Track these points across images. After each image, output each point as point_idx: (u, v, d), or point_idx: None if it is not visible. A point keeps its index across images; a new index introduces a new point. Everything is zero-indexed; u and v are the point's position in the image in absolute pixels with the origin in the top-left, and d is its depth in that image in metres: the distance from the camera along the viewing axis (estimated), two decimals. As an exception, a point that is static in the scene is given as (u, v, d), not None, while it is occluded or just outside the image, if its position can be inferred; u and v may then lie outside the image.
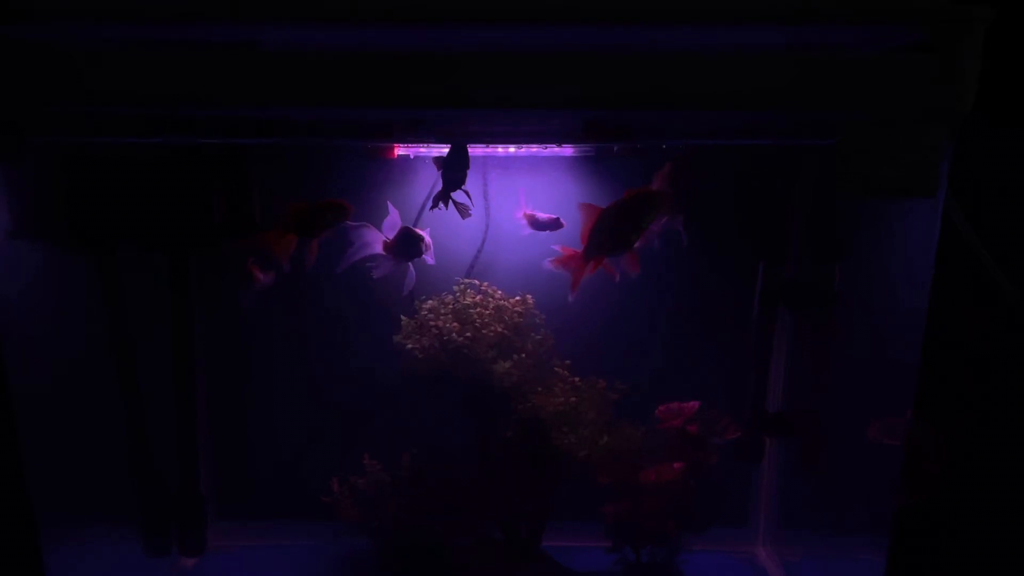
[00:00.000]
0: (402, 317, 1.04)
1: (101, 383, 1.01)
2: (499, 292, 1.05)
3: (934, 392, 0.95)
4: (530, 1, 0.65)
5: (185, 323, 1.02)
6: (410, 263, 1.00)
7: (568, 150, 1.02)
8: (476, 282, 1.06)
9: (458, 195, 0.91)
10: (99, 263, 0.96)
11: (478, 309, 1.02)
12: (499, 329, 1.01)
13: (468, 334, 1.00)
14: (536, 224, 1.02)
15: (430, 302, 1.04)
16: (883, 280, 0.92)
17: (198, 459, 1.07)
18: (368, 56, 0.68)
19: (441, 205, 0.91)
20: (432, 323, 1.01)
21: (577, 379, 1.03)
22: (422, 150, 1.01)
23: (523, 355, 1.01)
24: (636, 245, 0.89)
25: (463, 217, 0.93)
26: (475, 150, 0.94)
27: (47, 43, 0.71)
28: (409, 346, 1.01)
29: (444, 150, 0.90)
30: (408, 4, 0.66)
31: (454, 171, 0.87)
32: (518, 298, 1.05)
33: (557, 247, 0.95)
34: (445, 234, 1.06)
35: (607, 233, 0.89)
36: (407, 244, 0.98)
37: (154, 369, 1.02)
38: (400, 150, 1.02)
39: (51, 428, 0.97)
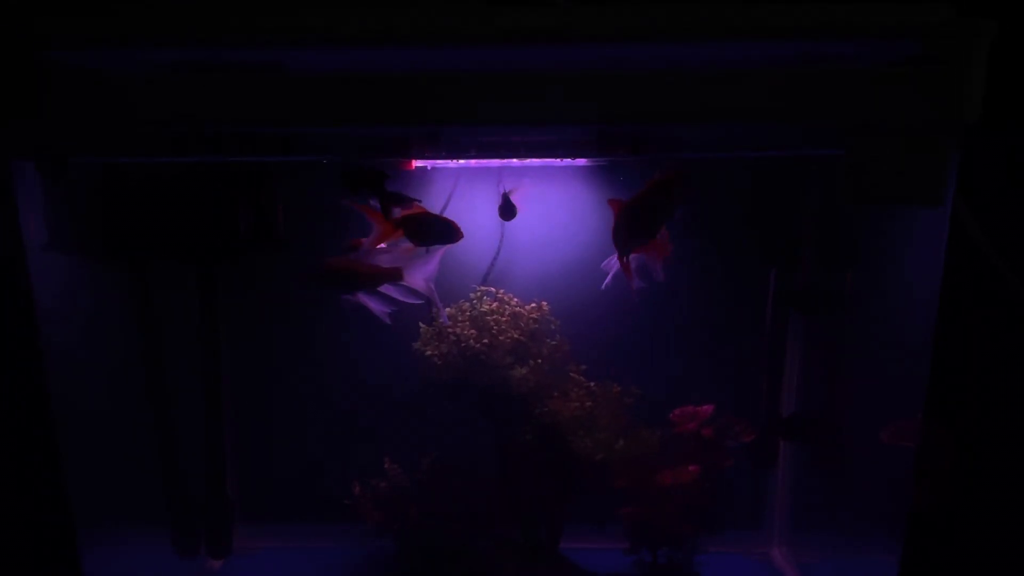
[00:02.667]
0: (421, 324, 1.06)
1: (134, 390, 1.04)
2: (515, 299, 1.07)
3: (946, 394, 0.96)
4: (542, 24, 0.67)
5: (212, 331, 1.05)
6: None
7: (582, 160, 1.04)
8: (492, 289, 1.08)
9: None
10: (131, 275, 1.00)
11: (494, 316, 1.05)
12: (515, 335, 1.04)
13: (485, 341, 1.02)
14: None
15: (448, 309, 1.06)
16: (894, 284, 0.93)
17: (225, 463, 1.10)
18: (388, 77, 0.71)
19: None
20: (450, 330, 1.04)
21: (593, 384, 1.05)
22: (439, 162, 1.03)
23: (539, 361, 1.04)
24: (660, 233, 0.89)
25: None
26: (491, 161, 0.96)
27: (86, 68, 0.75)
28: (428, 353, 1.04)
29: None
30: (422, 28, 0.68)
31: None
32: (533, 304, 1.07)
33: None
34: (462, 243, 1.09)
35: (628, 227, 0.89)
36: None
37: (183, 376, 1.06)
38: (417, 162, 1.05)
39: (87, 434, 1.00)
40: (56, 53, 0.73)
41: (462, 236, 0.93)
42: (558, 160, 1.03)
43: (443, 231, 0.92)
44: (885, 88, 0.69)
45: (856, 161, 0.70)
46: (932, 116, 0.69)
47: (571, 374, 1.06)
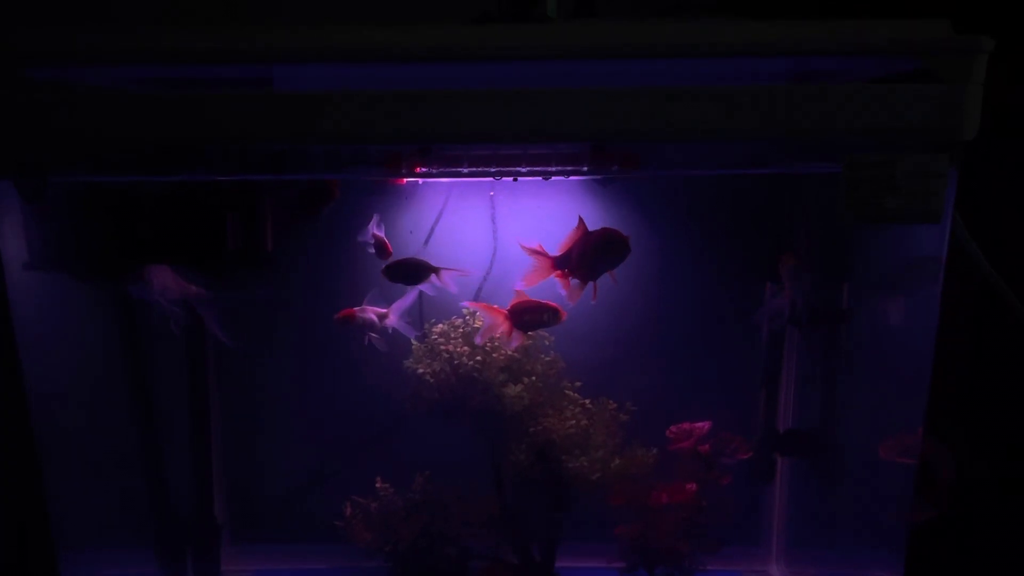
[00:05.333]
0: (413, 342, 1.05)
1: (118, 411, 1.02)
2: (509, 315, 1.06)
3: (945, 409, 0.96)
4: (538, 41, 0.66)
5: (199, 349, 1.03)
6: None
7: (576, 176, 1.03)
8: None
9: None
10: (115, 293, 0.98)
11: (488, 332, 1.03)
12: (509, 351, 1.02)
13: (478, 358, 1.00)
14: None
15: (440, 326, 1.04)
16: (892, 297, 0.93)
17: (212, 485, 1.08)
18: (381, 94, 0.70)
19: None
20: (443, 347, 1.02)
21: (588, 401, 1.04)
22: (431, 179, 1.02)
23: (533, 378, 1.02)
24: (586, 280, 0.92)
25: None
26: (483, 179, 0.95)
27: (67, 84, 0.73)
28: (420, 371, 1.02)
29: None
30: (416, 46, 0.67)
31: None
32: (528, 320, 1.06)
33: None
34: (454, 258, 1.08)
35: (576, 260, 0.91)
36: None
37: (169, 394, 1.04)
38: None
39: (69, 454, 0.98)
40: (36, 69, 0.71)
41: (564, 318, 0.96)
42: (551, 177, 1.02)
43: (550, 317, 0.96)
44: (882, 105, 0.68)
45: (853, 178, 0.70)
46: (930, 133, 0.69)
47: (566, 391, 1.04)
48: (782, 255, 0.96)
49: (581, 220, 0.92)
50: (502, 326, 0.96)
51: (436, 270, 0.97)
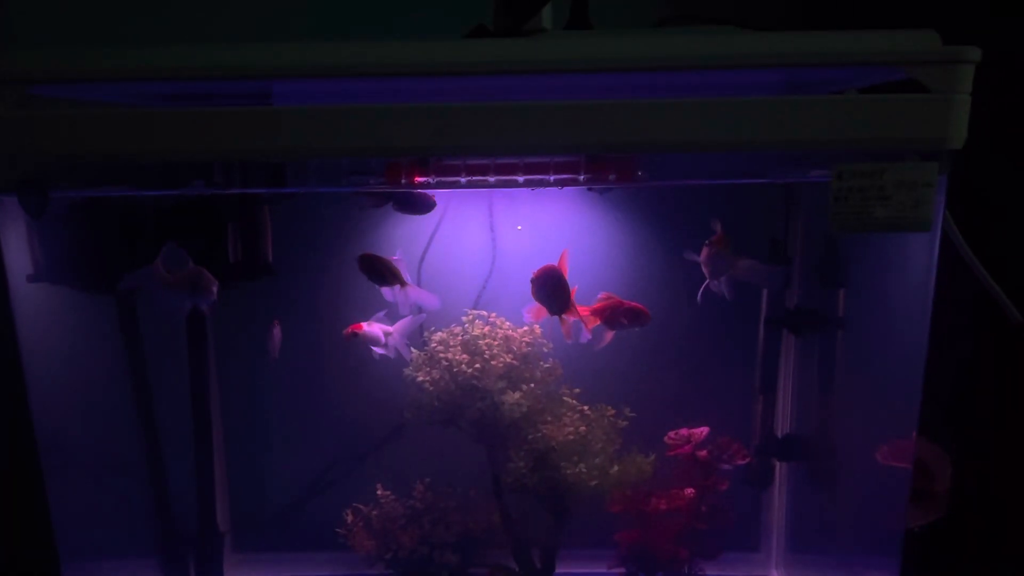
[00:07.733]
0: (412, 350, 1.05)
1: (121, 421, 1.03)
2: (507, 323, 1.07)
3: (941, 413, 0.96)
4: (528, 55, 0.67)
5: (201, 359, 1.04)
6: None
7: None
8: (484, 313, 1.07)
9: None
10: (117, 304, 0.99)
11: (486, 340, 1.04)
12: (508, 359, 1.03)
13: (477, 366, 1.01)
14: None
15: (440, 334, 1.05)
16: (887, 303, 0.93)
17: (215, 493, 1.09)
18: (376, 109, 0.71)
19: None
20: (442, 355, 1.03)
21: (586, 407, 1.04)
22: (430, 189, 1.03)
23: (532, 385, 1.03)
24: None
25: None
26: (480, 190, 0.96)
27: (68, 100, 0.75)
28: (419, 379, 1.02)
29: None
30: (411, 61, 0.69)
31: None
32: (526, 328, 1.06)
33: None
34: (452, 266, 1.09)
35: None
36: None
37: (171, 405, 1.04)
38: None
39: (72, 464, 0.99)
40: (39, 86, 0.72)
41: (650, 319, 0.98)
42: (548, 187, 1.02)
43: (636, 316, 0.97)
44: (872, 115, 0.69)
45: (842, 188, 0.71)
46: (919, 142, 0.70)
47: (564, 398, 1.05)
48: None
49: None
50: (590, 323, 0.97)
51: (402, 282, 0.97)
